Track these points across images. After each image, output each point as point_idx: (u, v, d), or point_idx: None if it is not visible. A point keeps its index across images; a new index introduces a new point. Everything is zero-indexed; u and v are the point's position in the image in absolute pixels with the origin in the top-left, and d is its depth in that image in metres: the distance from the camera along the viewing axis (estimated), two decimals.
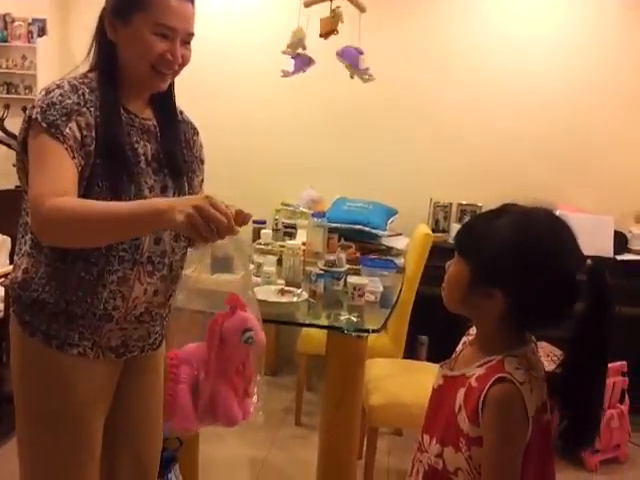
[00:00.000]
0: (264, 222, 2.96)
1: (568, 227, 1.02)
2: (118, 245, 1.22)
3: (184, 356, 1.19)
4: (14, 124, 3.39)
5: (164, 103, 1.35)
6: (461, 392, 1.02)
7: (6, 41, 3.77)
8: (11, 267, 2.54)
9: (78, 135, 1.16)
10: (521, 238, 0.99)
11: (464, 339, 1.16)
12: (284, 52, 2.63)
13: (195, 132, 1.44)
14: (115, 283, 1.24)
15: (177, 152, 1.34)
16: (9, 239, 3.22)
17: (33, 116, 1.15)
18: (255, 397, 1.23)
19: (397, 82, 3.49)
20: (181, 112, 1.42)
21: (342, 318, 1.95)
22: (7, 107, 3.53)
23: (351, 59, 2.57)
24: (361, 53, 2.58)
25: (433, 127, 3.51)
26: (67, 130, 1.14)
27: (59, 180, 1.12)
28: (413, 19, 3.47)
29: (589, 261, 0.98)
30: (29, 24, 3.75)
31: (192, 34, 1.26)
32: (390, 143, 3.56)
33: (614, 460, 2.71)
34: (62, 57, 3.80)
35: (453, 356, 1.15)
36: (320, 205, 3.23)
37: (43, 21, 3.74)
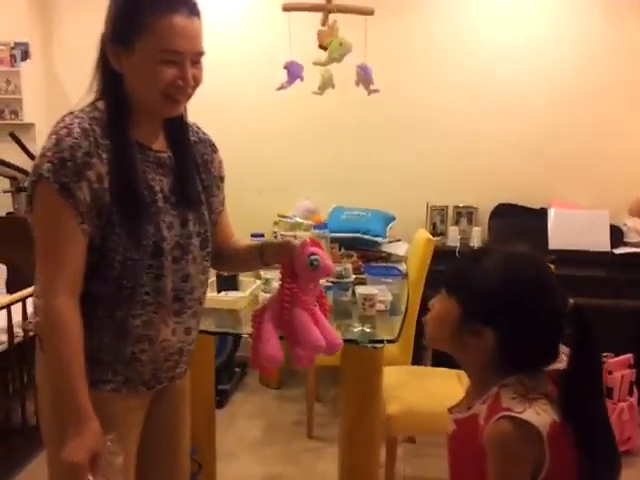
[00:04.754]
0: (262, 235, 2.93)
1: (549, 267, 1.09)
2: (140, 289, 1.18)
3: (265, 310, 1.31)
4: (0, 150, 3.35)
5: (176, 129, 1.28)
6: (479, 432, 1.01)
7: None
8: (9, 298, 2.50)
9: (88, 197, 1.11)
10: (512, 278, 1.02)
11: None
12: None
13: (213, 149, 1.38)
14: (140, 327, 1.20)
15: (194, 184, 1.28)
16: (4, 267, 3.16)
17: (45, 174, 1.08)
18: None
19: (389, 89, 3.48)
20: (197, 131, 1.35)
21: (355, 330, 1.93)
22: None
23: (367, 75, 2.73)
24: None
25: (426, 131, 3.53)
26: (79, 193, 1.10)
27: (69, 267, 1.12)
28: (403, 27, 3.48)
29: (572, 300, 1.02)
30: (11, 48, 3.69)
31: (202, 53, 1.17)
32: (383, 149, 3.56)
33: (626, 453, 2.71)
34: (47, 80, 3.75)
35: (461, 399, 1.15)
36: (316, 216, 3.22)
37: (26, 44, 3.68)
